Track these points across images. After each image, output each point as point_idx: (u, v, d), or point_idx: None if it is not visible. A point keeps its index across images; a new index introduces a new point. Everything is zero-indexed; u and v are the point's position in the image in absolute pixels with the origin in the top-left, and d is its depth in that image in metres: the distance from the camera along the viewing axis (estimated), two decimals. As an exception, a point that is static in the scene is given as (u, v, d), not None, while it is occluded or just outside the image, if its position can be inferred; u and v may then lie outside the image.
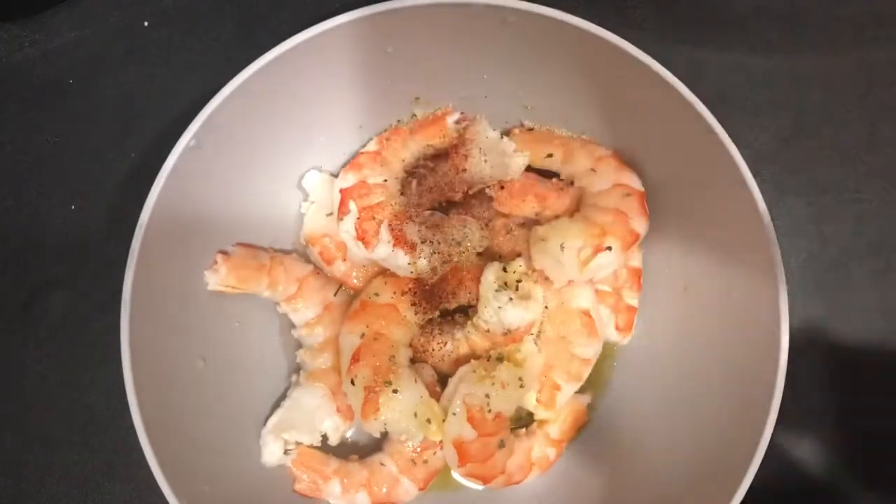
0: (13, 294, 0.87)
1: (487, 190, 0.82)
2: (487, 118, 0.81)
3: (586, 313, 0.78)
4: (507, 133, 0.83)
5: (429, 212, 0.79)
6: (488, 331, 0.77)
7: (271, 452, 0.77)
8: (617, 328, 0.81)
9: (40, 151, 0.89)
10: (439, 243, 0.76)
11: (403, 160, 0.81)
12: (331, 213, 0.81)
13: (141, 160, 0.88)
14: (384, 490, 0.77)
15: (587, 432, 0.83)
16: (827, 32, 0.89)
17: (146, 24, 0.90)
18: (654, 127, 0.74)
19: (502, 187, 0.82)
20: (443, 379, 0.80)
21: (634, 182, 0.78)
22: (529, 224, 0.81)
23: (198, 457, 0.71)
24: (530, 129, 0.83)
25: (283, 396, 0.81)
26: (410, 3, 0.68)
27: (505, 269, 0.77)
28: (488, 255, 0.80)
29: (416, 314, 0.78)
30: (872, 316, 0.86)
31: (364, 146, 0.83)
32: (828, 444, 0.85)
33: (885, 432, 0.85)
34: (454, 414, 0.74)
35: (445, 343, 0.79)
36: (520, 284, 0.77)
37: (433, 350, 0.80)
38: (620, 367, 0.84)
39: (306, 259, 0.83)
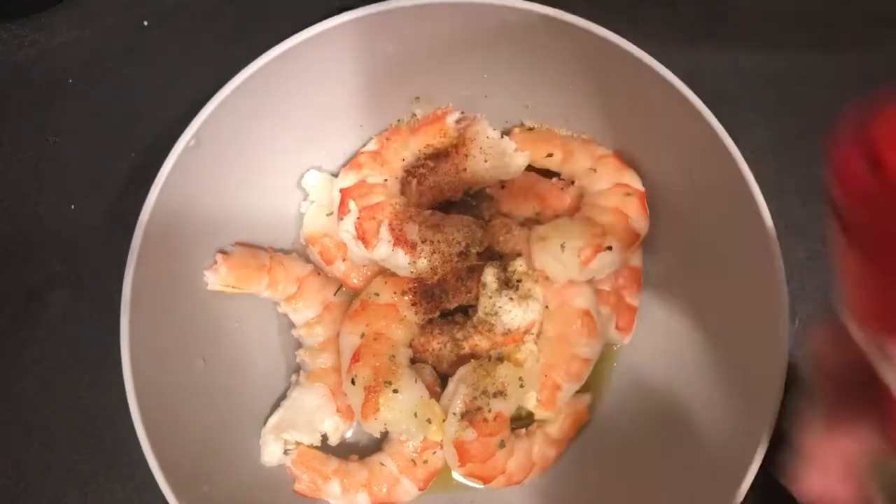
0: (13, 294, 0.87)
1: (487, 190, 0.82)
2: (487, 118, 0.81)
3: (586, 313, 0.78)
4: (507, 133, 0.83)
5: (429, 212, 0.79)
6: (489, 331, 0.77)
7: (271, 452, 0.77)
8: (617, 328, 0.81)
9: (40, 151, 0.89)
10: (439, 243, 0.76)
11: (403, 160, 0.81)
12: (331, 213, 0.81)
13: (141, 160, 0.88)
14: (384, 490, 0.77)
15: (587, 432, 0.83)
16: (827, 32, 0.89)
17: (146, 23, 0.90)
18: (655, 127, 0.74)
19: (502, 187, 0.82)
20: (443, 379, 0.80)
21: (635, 182, 0.78)
22: (529, 224, 0.81)
23: (198, 457, 0.71)
24: (530, 129, 0.83)
25: (283, 396, 0.81)
26: (410, 3, 0.68)
27: (505, 269, 0.78)
28: (488, 255, 0.80)
29: (416, 314, 0.78)
30: (872, 316, 0.86)
31: (364, 146, 0.83)
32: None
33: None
34: (454, 414, 0.74)
35: (445, 343, 0.79)
36: (520, 284, 0.77)
37: (433, 350, 0.80)
38: (620, 367, 0.84)
39: (306, 259, 0.83)
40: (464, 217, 0.78)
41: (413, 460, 0.77)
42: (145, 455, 0.66)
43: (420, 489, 0.78)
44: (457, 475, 0.80)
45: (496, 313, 0.75)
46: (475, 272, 0.78)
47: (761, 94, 0.88)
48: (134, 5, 0.90)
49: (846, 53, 0.89)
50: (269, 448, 0.77)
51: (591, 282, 0.79)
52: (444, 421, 0.75)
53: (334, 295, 0.82)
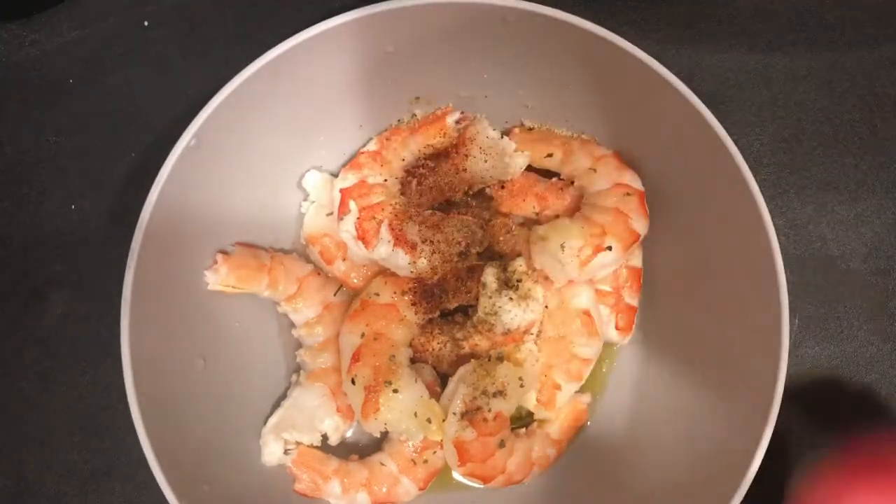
0: (13, 294, 0.87)
1: (487, 190, 0.82)
2: (487, 118, 0.81)
3: (586, 313, 0.78)
4: (507, 133, 0.83)
5: (429, 212, 0.79)
6: (489, 331, 0.77)
7: (271, 452, 0.77)
8: (617, 328, 0.81)
9: (40, 151, 0.89)
10: (439, 243, 0.76)
11: (403, 160, 0.81)
12: (331, 213, 0.81)
13: (141, 160, 0.88)
14: (384, 490, 0.77)
15: (587, 432, 0.83)
16: (826, 32, 0.89)
17: (146, 24, 0.90)
18: (654, 127, 0.74)
19: (502, 187, 0.82)
20: (443, 379, 0.80)
21: (635, 182, 0.78)
22: (529, 224, 0.81)
23: (198, 457, 0.71)
24: (530, 129, 0.83)
25: (283, 396, 0.81)
26: (410, 3, 0.68)
27: (505, 269, 0.78)
28: (488, 255, 0.80)
29: (416, 314, 0.78)
30: (873, 316, 0.86)
31: (364, 146, 0.83)
32: (829, 443, 0.85)
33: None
34: (454, 414, 0.74)
35: (445, 343, 0.79)
36: (520, 284, 0.77)
37: (433, 350, 0.80)
38: (620, 367, 0.84)
39: (306, 259, 0.83)
40: (464, 217, 0.78)
41: (413, 460, 0.77)
42: (145, 455, 0.66)
43: (420, 489, 0.78)
44: (457, 475, 0.80)
45: (496, 313, 0.75)
46: (475, 272, 0.78)
47: (761, 94, 0.89)
48: (134, 5, 0.91)
49: (846, 53, 0.89)
50: (269, 448, 0.77)
51: (590, 282, 0.79)
52: (444, 421, 0.75)
53: (334, 295, 0.82)
